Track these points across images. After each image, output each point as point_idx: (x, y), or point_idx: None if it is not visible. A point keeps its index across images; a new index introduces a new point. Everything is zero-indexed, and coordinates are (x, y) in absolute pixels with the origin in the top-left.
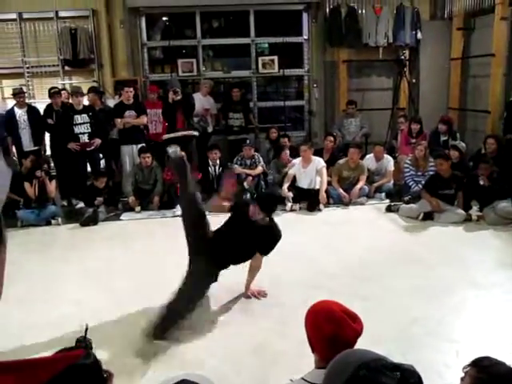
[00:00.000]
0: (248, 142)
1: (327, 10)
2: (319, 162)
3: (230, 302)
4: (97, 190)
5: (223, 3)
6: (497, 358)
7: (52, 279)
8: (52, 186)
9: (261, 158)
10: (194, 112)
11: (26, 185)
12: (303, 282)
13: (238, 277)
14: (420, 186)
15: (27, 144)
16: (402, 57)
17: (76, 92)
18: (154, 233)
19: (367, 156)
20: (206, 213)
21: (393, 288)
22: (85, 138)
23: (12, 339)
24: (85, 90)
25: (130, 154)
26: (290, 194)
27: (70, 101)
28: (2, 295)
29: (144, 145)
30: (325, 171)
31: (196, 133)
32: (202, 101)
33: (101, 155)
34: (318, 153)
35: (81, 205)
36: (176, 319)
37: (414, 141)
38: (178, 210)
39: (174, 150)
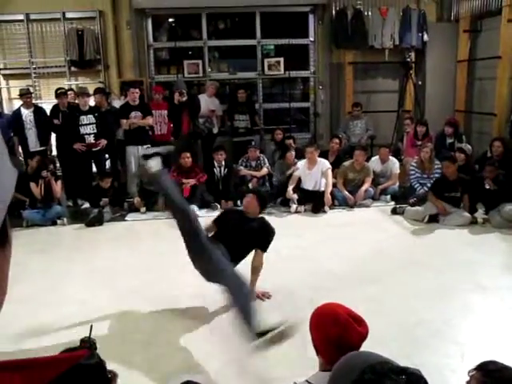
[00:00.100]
0: (253, 143)
1: (333, 11)
2: (324, 164)
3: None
4: (102, 190)
5: (229, 5)
6: (503, 362)
7: (57, 279)
8: (58, 187)
9: (266, 160)
10: (200, 113)
11: (32, 185)
12: (307, 284)
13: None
14: (426, 188)
15: (33, 144)
16: (408, 59)
17: (82, 93)
18: (159, 233)
19: (373, 158)
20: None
21: (398, 290)
22: (90, 139)
23: (17, 339)
24: (91, 91)
25: (135, 154)
26: (295, 196)
27: (77, 101)
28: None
29: (149, 146)
30: (330, 173)
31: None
32: (207, 102)
33: (106, 156)
34: (324, 155)
35: (86, 205)
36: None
37: (419, 143)
38: None
39: (156, 163)
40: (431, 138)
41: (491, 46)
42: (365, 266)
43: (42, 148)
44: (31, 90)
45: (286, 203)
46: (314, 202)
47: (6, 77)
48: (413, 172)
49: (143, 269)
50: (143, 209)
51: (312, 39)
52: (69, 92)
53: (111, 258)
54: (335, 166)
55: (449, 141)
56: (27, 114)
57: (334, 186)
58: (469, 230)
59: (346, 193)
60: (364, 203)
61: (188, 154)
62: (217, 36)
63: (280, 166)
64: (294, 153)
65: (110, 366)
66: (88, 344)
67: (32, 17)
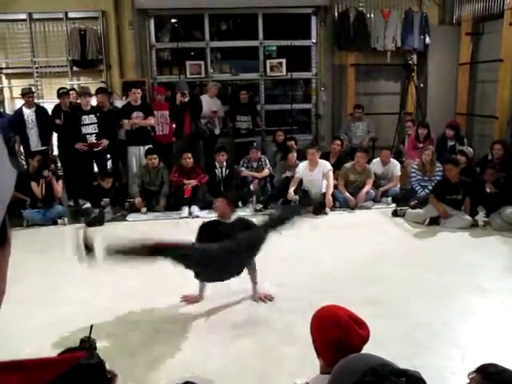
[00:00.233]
0: (255, 144)
1: (336, 13)
2: (326, 166)
3: (235, 305)
4: (103, 190)
5: (232, 6)
6: (503, 364)
7: (57, 279)
8: (59, 186)
9: (267, 161)
10: (202, 114)
11: (33, 184)
12: (308, 286)
13: (241, 279)
14: (427, 190)
15: (35, 144)
16: (410, 61)
17: (84, 92)
18: (160, 234)
19: (374, 160)
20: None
21: (398, 292)
22: (92, 139)
23: (16, 339)
24: (93, 91)
25: (136, 155)
26: (296, 197)
27: (79, 101)
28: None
29: (151, 146)
30: (331, 175)
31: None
32: (209, 103)
33: (108, 156)
34: (325, 156)
35: (87, 205)
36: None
37: (421, 145)
38: (184, 212)
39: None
40: (432, 141)
41: (493, 48)
42: (365, 268)
43: (43, 148)
44: (33, 89)
45: (287, 204)
46: (315, 203)
47: (8, 76)
48: (414, 174)
49: (143, 269)
50: (144, 209)
51: (314, 41)
52: (71, 92)
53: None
54: (336, 167)
55: (450, 143)
56: (29, 114)
57: (336, 187)
58: (469, 233)
59: (347, 194)
60: (365, 205)
61: (189, 155)
62: (219, 37)
63: (281, 168)
64: (295, 154)
65: (109, 365)
66: (88, 344)
67: (34, 16)
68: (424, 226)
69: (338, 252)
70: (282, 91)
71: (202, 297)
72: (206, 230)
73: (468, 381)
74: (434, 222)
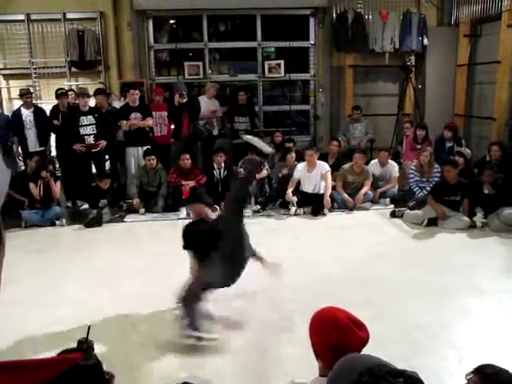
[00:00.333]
0: None
1: (334, 15)
2: (324, 167)
3: (233, 306)
4: (101, 191)
5: (230, 7)
6: (500, 365)
7: (55, 280)
8: (57, 187)
9: (265, 162)
10: (200, 115)
11: (31, 185)
12: (307, 287)
13: (241, 280)
14: (425, 192)
15: (33, 145)
16: (408, 63)
17: (82, 93)
18: (158, 235)
19: (372, 161)
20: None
21: (396, 293)
22: (90, 140)
23: (14, 339)
24: (91, 92)
25: (135, 155)
26: (295, 199)
27: (77, 101)
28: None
29: (149, 147)
30: (329, 176)
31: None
32: (207, 104)
33: (106, 157)
34: (323, 157)
35: (85, 206)
36: None
37: (419, 147)
38: (182, 213)
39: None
40: (431, 142)
41: (491, 50)
42: (364, 269)
43: (41, 148)
44: (31, 90)
45: (285, 205)
46: (313, 204)
47: (7, 77)
48: (412, 175)
49: (142, 269)
50: (142, 210)
51: (312, 42)
52: (70, 92)
53: (110, 259)
54: (335, 168)
55: (448, 145)
56: (27, 115)
57: (334, 188)
58: (467, 234)
59: (346, 196)
60: (363, 206)
61: (188, 156)
62: (217, 38)
63: (280, 169)
64: (294, 155)
65: (108, 366)
66: (85, 345)
67: (33, 17)
68: (422, 227)
69: (336, 253)
70: (281, 92)
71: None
72: (192, 237)
73: (466, 382)
74: (432, 223)
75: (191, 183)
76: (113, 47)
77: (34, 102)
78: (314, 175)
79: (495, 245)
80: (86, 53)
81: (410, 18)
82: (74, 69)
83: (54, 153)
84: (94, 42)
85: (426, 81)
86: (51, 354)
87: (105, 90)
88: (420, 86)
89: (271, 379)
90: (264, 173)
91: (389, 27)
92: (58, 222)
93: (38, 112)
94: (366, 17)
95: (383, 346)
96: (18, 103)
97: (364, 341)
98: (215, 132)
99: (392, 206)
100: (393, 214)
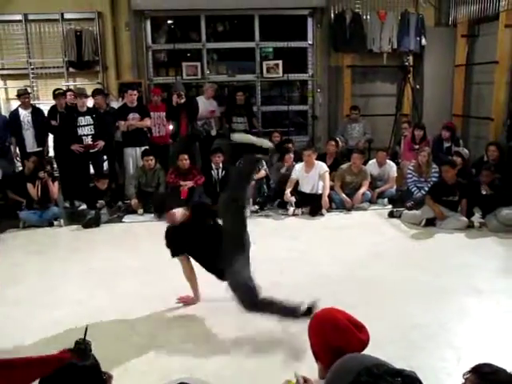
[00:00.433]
0: None
1: (332, 15)
2: (322, 167)
3: (231, 307)
4: (99, 191)
5: (228, 7)
6: (498, 365)
7: (53, 280)
8: (55, 188)
9: (264, 162)
10: (198, 115)
11: (29, 186)
12: (305, 287)
13: None
14: (423, 192)
15: (31, 145)
16: (406, 63)
17: (80, 94)
18: (157, 235)
19: (370, 161)
20: None
21: (394, 293)
22: (88, 140)
23: (11, 340)
24: (89, 92)
25: (133, 156)
26: (293, 199)
27: (75, 102)
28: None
29: (147, 147)
30: (327, 176)
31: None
32: (205, 104)
33: (105, 157)
34: (322, 157)
35: (83, 207)
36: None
37: (417, 147)
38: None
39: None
40: (428, 142)
41: (488, 50)
42: (362, 269)
43: (39, 149)
44: (29, 90)
45: (283, 206)
46: (311, 204)
47: (4, 77)
48: (410, 176)
49: (140, 270)
50: (140, 210)
51: (310, 42)
52: (69, 93)
53: (108, 260)
54: (333, 168)
55: (446, 145)
56: (25, 115)
57: (332, 188)
58: (465, 234)
59: (344, 196)
60: (361, 206)
61: (186, 156)
62: (215, 38)
63: (278, 168)
64: (292, 155)
65: (106, 367)
66: (83, 346)
67: (30, 17)
68: (420, 228)
69: (334, 253)
70: (279, 92)
71: (199, 298)
72: (179, 236)
73: (463, 381)
74: (430, 223)
75: (189, 184)
76: (111, 47)
77: (31, 102)
78: (312, 175)
79: (493, 245)
80: (84, 53)
81: (407, 19)
82: (71, 69)
83: (51, 153)
84: (92, 43)
85: (424, 81)
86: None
87: (103, 91)
88: (418, 86)
89: (269, 380)
90: (262, 173)
91: (387, 27)
92: (56, 223)
93: (36, 112)
94: (364, 17)
95: (381, 347)
96: (15, 104)
97: (364, 343)
98: (213, 132)
99: (390, 206)
100: (391, 214)
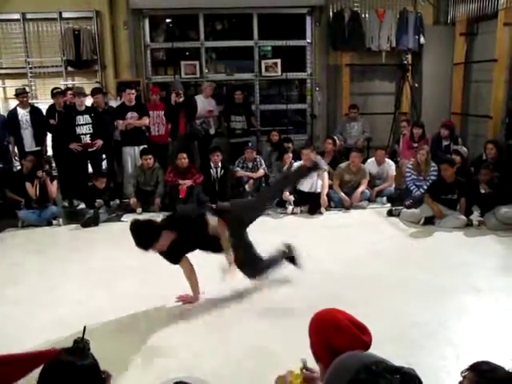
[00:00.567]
0: (250, 144)
1: (330, 13)
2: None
3: (230, 306)
4: (98, 190)
5: (227, 6)
6: (497, 362)
7: (52, 280)
8: (53, 187)
9: (262, 161)
10: (197, 114)
11: (28, 185)
12: (304, 285)
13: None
14: (421, 190)
15: (29, 144)
16: (405, 61)
17: (79, 93)
18: None
19: (369, 160)
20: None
21: (393, 291)
22: (86, 139)
23: (10, 340)
24: (87, 91)
25: (131, 155)
26: (292, 198)
27: (74, 101)
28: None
29: (146, 146)
30: (326, 175)
31: None
32: (204, 103)
33: (103, 156)
34: (320, 156)
35: (82, 206)
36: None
37: (415, 145)
38: None
39: None
40: (427, 140)
41: (487, 49)
42: (360, 268)
43: (37, 148)
44: (27, 89)
45: (282, 205)
46: (310, 203)
47: (2, 76)
48: (409, 174)
49: (139, 269)
50: (139, 209)
51: (309, 41)
52: (69, 92)
53: (107, 259)
54: (331, 167)
55: (445, 143)
56: (23, 114)
57: (330, 187)
58: (464, 233)
59: (342, 194)
60: (360, 205)
61: (184, 155)
62: (214, 37)
63: (278, 168)
64: (291, 155)
65: (105, 366)
66: (81, 345)
67: (28, 16)
68: (419, 226)
69: (333, 252)
70: (277, 91)
71: (198, 297)
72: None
73: (461, 379)
74: (429, 221)
75: (188, 182)
76: (109, 46)
77: (30, 101)
78: (311, 174)
79: (492, 243)
80: (82, 52)
81: (406, 17)
82: (70, 68)
83: (50, 152)
84: (90, 41)
85: (423, 79)
86: None
87: (101, 90)
88: (417, 85)
89: (269, 379)
90: (261, 172)
91: (385, 26)
92: (54, 222)
93: (35, 112)
94: (363, 15)
95: (380, 345)
96: (13, 103)
97: (367, 345)
98: (212, 131)
99: (389, 204)
100: (390, 213)
